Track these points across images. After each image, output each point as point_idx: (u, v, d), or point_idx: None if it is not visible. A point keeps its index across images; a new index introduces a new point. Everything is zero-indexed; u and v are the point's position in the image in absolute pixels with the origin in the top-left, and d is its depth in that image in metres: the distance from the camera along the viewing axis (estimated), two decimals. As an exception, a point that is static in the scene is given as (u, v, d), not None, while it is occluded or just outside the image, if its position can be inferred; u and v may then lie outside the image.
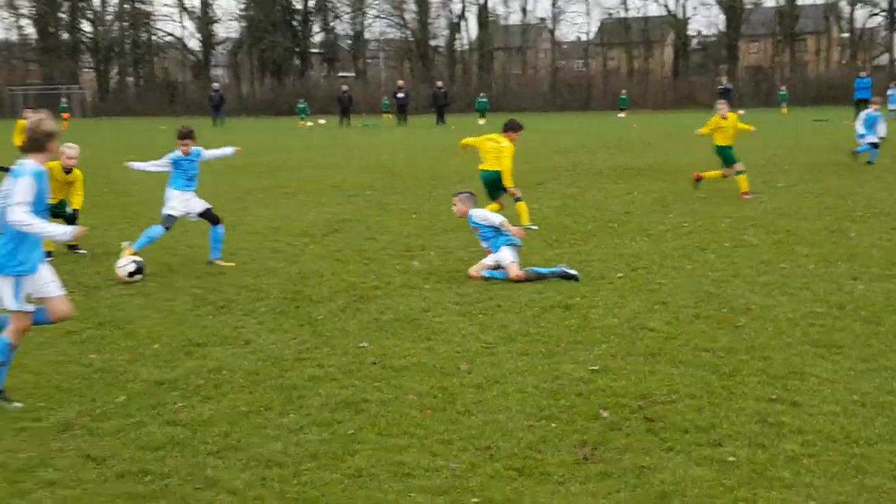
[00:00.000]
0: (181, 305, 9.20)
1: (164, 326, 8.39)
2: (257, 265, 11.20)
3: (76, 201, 12.29)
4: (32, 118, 6.39)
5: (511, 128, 13.55)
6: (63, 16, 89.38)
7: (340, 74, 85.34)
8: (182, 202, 11.63)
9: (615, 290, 9.46)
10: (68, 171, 12.04)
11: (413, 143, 34.36)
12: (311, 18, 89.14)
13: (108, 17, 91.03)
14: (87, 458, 5.29)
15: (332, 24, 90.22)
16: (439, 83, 56.13)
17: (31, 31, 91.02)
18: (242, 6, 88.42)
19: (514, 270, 9.94)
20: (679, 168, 21.23)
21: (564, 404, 6.06)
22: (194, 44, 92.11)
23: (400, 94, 52.45)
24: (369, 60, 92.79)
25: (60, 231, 6.51)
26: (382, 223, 14.36)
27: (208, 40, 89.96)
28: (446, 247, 12.13)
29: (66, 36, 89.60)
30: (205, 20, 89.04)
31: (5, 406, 6.19)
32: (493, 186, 13.53)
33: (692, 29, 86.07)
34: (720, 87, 49.50)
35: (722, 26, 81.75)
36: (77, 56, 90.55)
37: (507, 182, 13.33)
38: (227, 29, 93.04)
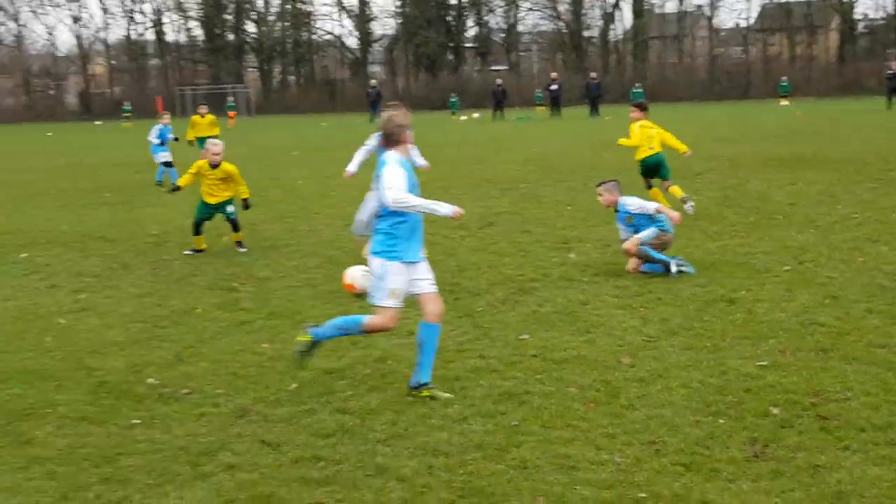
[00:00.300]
0: (346, 297, 9.45)
1: (331, 317, 8.62)
2: (418, 258, 11.38)
3: (242, 191, 12.48)
4: (384, 115, 6.52)
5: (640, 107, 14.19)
6: (228, 17, 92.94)
7: (493, 68, 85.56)
8: None
9: (781, 283, 9.18)
10: (215, 166, 12.19)
11: (567, 135, 34.17)
12: (465, 13, 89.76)
13: (271, 18, 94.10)
14: (263, 444, 5.53)
15: (485, 18, 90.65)
16: (593, 74, 55.59)
17: (198, 32, 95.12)
18: (398, 3, 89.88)
19: (629, 244, 9.84)
20: (846, 157, 20.37)
21: (732, 400, 5.94)
22: (352, 42, 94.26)
23: (553, 86, 52.22)
24: (522, 53, 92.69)
25: (443, 207, 6.43)
26: (538, 216, 14.36)
27: (365, 38, 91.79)
28: (603, 239, 12.04)
29: (231, 37, 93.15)
30: (362, 18, 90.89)
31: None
32: (656, 170, 13.83)
33: (859, 12, 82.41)
34: (889, 72, 47.06)
35: (891, 9, 77.87)
36: (242, 56, 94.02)
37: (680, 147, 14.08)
38: (384, 26, 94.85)
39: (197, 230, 12.33)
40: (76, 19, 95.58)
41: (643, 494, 4.68)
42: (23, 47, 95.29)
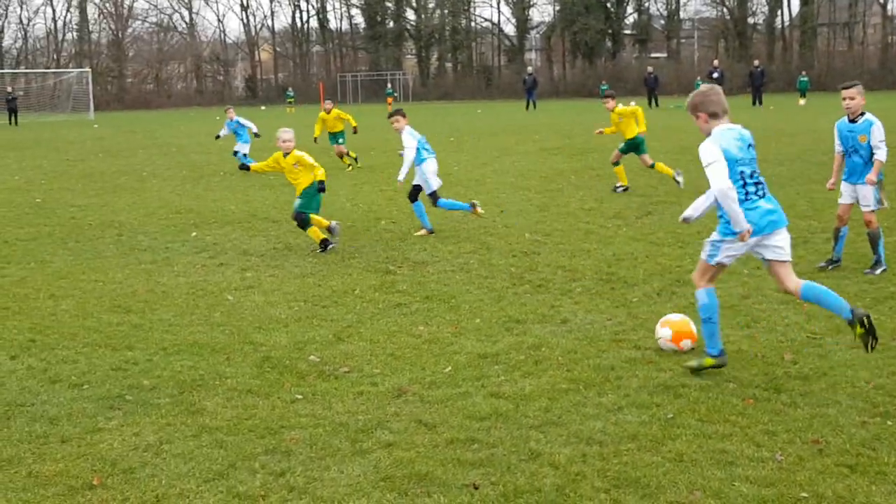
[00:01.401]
0: (499, 283, 9.52)
1: (485, 302, 8.72)
2: (572, 246, 11.34)
3: (317, 174, 11.61)
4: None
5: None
6: (389, 5, 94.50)
7: (652, 55, 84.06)
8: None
9: (959, 283, 8.72)
10: (286, 154, 11.75)
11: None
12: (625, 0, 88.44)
13: (430, 6, 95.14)
14: (419, 423, 5.64)
15: (645, 4, 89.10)
16: (756, 62, 53.86)
17: (360, 20, 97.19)
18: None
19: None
20: None
21: (902, 402, 5.70)
22: (509, 29, 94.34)
23: (715, 74, 50.86)
24: (683, 40, 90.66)
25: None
26: (698, 207, 14.02)
27: (523, 25, 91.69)
28: (766, 232, 11.68)
29: (391, 24, 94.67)
30: (520, 5, 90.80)
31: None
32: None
33: None
34: None
35: None
36: (401, 43, 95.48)
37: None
38: (542, 13, 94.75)
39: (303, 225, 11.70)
40: (245, 7, 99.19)
41: (805, 494, 4.55)
42: (195, 34, 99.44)
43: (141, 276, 10.35)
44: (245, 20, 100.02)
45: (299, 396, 6.20)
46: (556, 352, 7.05)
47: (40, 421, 5.81)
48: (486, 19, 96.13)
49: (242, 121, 22.83)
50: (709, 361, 6.36)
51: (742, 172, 6.14)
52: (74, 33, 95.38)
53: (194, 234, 13.08)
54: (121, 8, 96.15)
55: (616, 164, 16.46)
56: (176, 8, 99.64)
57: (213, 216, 14.69)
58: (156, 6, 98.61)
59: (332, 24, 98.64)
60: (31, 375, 6.77)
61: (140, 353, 7.27)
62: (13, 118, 54.63)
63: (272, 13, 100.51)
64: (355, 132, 22.93)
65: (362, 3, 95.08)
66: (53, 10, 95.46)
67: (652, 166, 16.65)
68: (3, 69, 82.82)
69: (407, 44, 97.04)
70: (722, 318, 7.77)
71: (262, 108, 77.47)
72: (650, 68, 55.32)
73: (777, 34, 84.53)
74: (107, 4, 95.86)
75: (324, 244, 11.47)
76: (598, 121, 38.34)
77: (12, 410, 6.01)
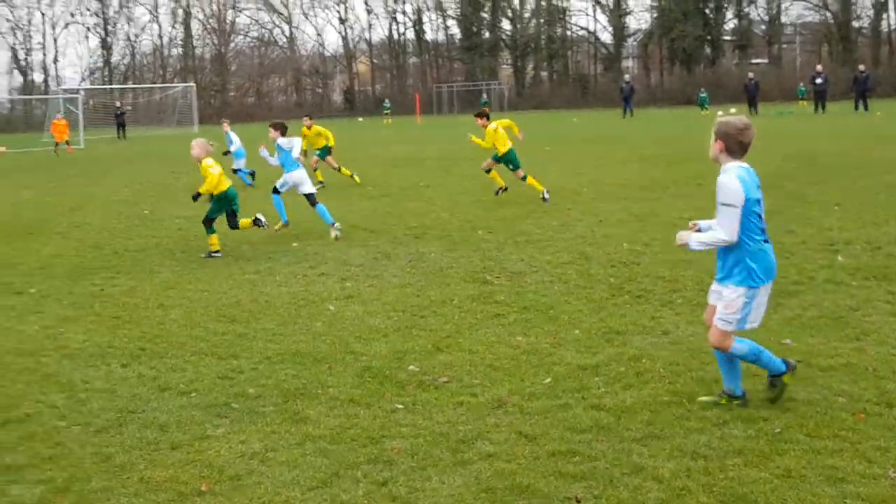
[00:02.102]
0: (599, 293, 9.44)
1: (584, 313, 8.66)
2: (672, 256, 11.17)
3: (203, 187, 12.97)
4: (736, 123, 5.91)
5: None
6: (485, 15, 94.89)
7: (753, 61, 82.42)
8: None
9: None
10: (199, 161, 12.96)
11: (833, 131, 32.36)
12: (725, 5, 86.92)
13: (526, 15, 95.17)
14: (519, 435, 5.63)
15: (745, 10, 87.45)
16: (862, 67, 52.31)
17: (456, 31, 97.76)
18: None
19: None
20: None
21: None
22: (606, 36, 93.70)
23: (818, 80, 49.60)
24: (784, 46, 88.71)
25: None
26: (803, 215, 13.71)
27: (620, 33, 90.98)
28: (874, 241, 11.35)
29: (487, 35, 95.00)
30: (617, 13, 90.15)
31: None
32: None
33: None
34: None
35: None
36: (496, 53, 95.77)
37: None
38: (639, 20, 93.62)
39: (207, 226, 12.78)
40: (343, 21, 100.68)
41: (921, 514, 4.40)
42: (294, 48, 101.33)
43: (245, 286, 10.57)
44: (343, 33, 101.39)
45: (400, 406, 6.25)
46: (658, 364, 6.96)
47: (151, 427, 5.99)
48: (582, 28, 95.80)
49: (233, 135, 22.96)
50: (787, 379, 6.04)
51: (759, 214, 5.78)
52: (179, 49, 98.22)
53: (295, 244, 13.30)
54: (224, 24, 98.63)
55: (488, 171, 17.99)
56: (277, 23, 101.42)
57: (313, 227, 14.91)
58: (257, 21, 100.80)
59: (429, 36, 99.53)
60: (141, 383, 6.98)
61: (245, 362, 7.43)
62: (122, 132, 56.50)
63: (370, 26, 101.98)
64: (329, 152, 22.24)
65: (458, 14, 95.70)
66: (159, 27, 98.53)
67: (524, 179, 17.52)
68: (112, 85, 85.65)
69: (502, 54, 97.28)
70: (830, 331, 7.60)
71: (360, 119, 78.46)
72: (751, 74, 54.19)
73: (883, 38, 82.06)
74: (210, 20, 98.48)
75: (211, 255, 12.51)
76: (697, 129, 37.75)
77: (124, 417, 6.21)
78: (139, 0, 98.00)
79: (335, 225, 13.96)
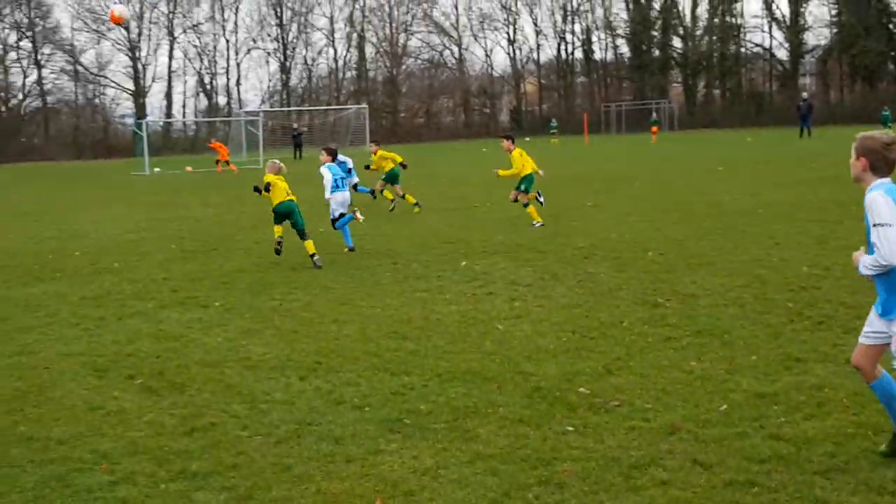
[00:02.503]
0: (776, 318, 9.13)
1: (761, 339, 8.39)
2: (855, 281, 10.62)
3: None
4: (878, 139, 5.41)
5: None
6: (655, 34, 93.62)
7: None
8: None
9: None
10: None
11: None
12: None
13: (698, 33, 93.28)
14: (694, 463, 5.49)
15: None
16: None
17: (625, 50, 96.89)
18: (834, 12, 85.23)
19: None
20: None
21: None
22: (782, 53, 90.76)
23: None
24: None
25: None
26: None
27: (797, 49, 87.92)
28: None
29: (657, 53, 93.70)
30: (794, 29, 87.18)
31: None
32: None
33: None
34: None
35: None
36: (667, 71, 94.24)
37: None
38: (817, 36, 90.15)
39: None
40: (511, 41, 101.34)
41: None
42: (463, 69, 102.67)
43: (416, 303, 10.76)
44: (511, 54, 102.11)
45: (570, 428, 6.21)
46: (841, 393, 6.66)
47: (327, 440, 6.16)
48: (756, 44, 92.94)
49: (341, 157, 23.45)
50: None
51: None
52: (353, 72, 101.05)
53: (464, 263, 13.45)
54: (396, 47, 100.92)
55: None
56: (447, 45, 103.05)
57: (481, 246, 15.05)
58: (428, 44, 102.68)
59: (597, 55, 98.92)
60: (318, 396, 7.20)
61: (416, 379, 7.55)
62: (298, 153, 58.65)
63: (538, 46, 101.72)
64: (404, 167, 22.33)
65: (628, 32, 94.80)
66: (335, 51, 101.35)
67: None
68: (289, 107, 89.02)
69: (673, 72, 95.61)
70: None
71: (527, 139, 78.65)
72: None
73: None
74: (383, 44, 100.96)
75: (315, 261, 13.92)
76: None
77: (302, 429, 6.41)
78: (316, 26, 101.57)
79: (352, 248, 15.23)
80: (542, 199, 18.29)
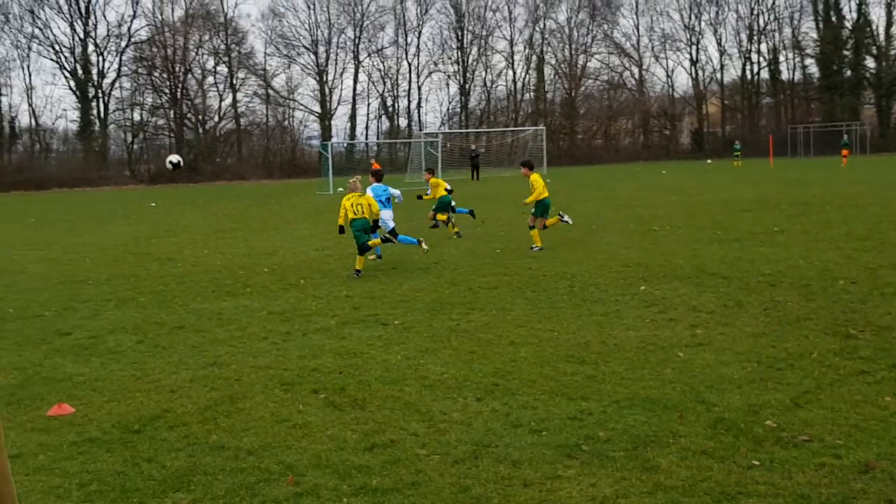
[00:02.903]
0: (983, 355, 8.53)
1: (965, 376, 7.86)
2: None
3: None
4: None
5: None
6: (847, 53, 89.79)
7: None
8: None
9: None
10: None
11: None
12: None
13: (893, 52, 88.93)
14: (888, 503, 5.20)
15: None
16: None
17: (813, 70, 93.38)
18: None
19: None
20: None
21: None
22: None
23: None
24: None
25: None
26: None
27: None
28: None
29: (848, 73, 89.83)
30: None
31: None
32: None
33: None
34: None
35: None
36: (859, 92, 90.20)
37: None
38: None
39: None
40: (694, 62, 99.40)
41: None
42: (643, 90, 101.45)
43: (593, 327, 10.65)
44: (693, 74, 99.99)
45: (756, 463, 5.98)
46: None
47: (504, 462, 6.16)
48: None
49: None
50: None
51: None
52: (531, 93, 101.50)
53: (643, 287, 13.22)
54: (575, 68, 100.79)
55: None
56: (626, 66, 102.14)
57: (661, 270, 14.76)
58: (607, 65, 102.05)
59: (784, 75, 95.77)
60: (495, 418, 7.22)
61: (594, 404, 7.46)
62: (475, 174, 59.29)
63: (721, 66, 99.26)
64: (448, 207, 21.74)
65: (817, 52, 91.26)
66: (514, 73, 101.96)
67: (532, 227, 20.10)
68: (467, 129, 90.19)
69: (865, 92, 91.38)
70: None
71: (708, 161, 76.86)
72: None
73: None
74: (562, 66, 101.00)
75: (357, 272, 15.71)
76: None
77: (479, 450, 6.43)
78: (496, 48, 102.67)
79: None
80: (567, 219, 19.25)
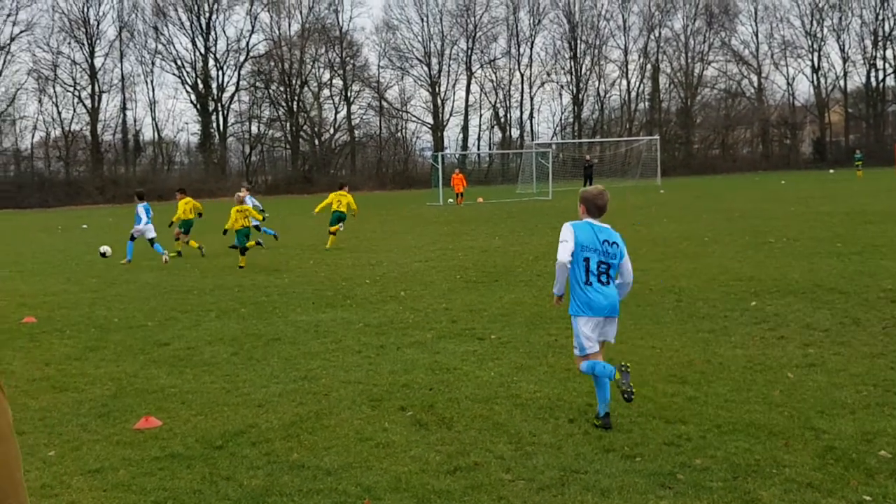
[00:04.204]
0: None
1: None
2: None
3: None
4: None
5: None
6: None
7: None
8: None
9: None
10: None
11: None
12: None
13: None
14: None
15: None
16: None
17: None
18: None
19: None
20: None
21: None
22: None
23: None
24: None
25: None
26: None
27: None
28: None
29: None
30: None
31: None
32: None
33: None
34: None
35: None
36: None
37: None
38: None
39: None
40: (815, 70, 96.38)
41: None
42: (763, 99, 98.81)
43: (698, 345, 10.16)
44: (815, 82, 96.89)
45: (868, 498, 5.48)
46: None
47: (592, 491, 5.80)
48: None
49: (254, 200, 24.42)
50: None
51: None
52: (646, 103, 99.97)
53: (754, 303, 12.61)
54: (691, 77, 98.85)
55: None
56: (745, 74, 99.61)
57: (774, 285, 14.09)
58: (725, 73, 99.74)
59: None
60: (586, 441, 6.86)
61: (693, 429, 7.03)
62: (588, 183, 58.58)
63: (845, 74, 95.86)
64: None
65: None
66: (628, 82, 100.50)
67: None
68: (580, 139, 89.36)
69: None
70: None
71: (831, 171, 74.37)
72: None
73: None
74: (678, 74, 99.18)
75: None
76: None
77: (567, 476, 6.09)
78: (610, 58, 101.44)
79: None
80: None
